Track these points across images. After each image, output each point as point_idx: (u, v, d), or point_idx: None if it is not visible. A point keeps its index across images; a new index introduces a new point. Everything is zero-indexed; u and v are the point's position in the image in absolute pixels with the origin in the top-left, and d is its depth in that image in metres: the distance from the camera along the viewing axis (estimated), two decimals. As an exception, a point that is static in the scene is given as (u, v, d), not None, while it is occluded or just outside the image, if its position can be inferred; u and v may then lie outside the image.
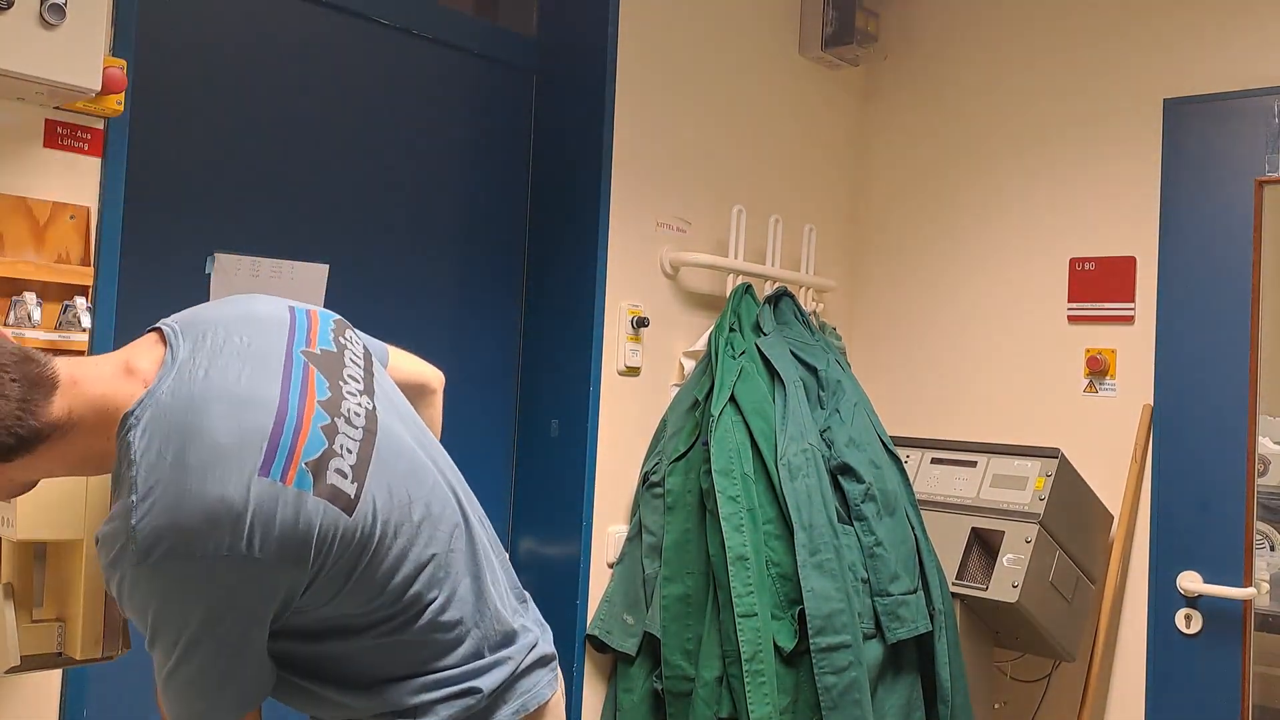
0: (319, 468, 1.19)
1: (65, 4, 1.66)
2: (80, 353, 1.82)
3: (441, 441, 2.58)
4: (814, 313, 3.15)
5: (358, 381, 1.33)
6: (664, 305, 2.83)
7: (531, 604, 1.55)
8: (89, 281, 1.83)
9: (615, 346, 2.70)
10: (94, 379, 1.20)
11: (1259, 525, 2.86)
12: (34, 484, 1.26)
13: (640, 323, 2.73)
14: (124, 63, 1.84)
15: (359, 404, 1.30)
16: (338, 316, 1.44)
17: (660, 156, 2.83)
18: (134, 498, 1.12)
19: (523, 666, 1.42)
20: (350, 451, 1.24)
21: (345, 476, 1.22)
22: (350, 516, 1.21)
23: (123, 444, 1.16)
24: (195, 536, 1.12)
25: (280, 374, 1.24)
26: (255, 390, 1.20)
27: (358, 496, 1.22)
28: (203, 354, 1.23)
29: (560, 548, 2.68)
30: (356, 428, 1.27)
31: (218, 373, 1.21)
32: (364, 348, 1.44)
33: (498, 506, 2.75)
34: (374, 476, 1.26)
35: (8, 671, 1.56)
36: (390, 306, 2.54)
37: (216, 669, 1.22)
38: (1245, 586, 2.80)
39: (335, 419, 1.25)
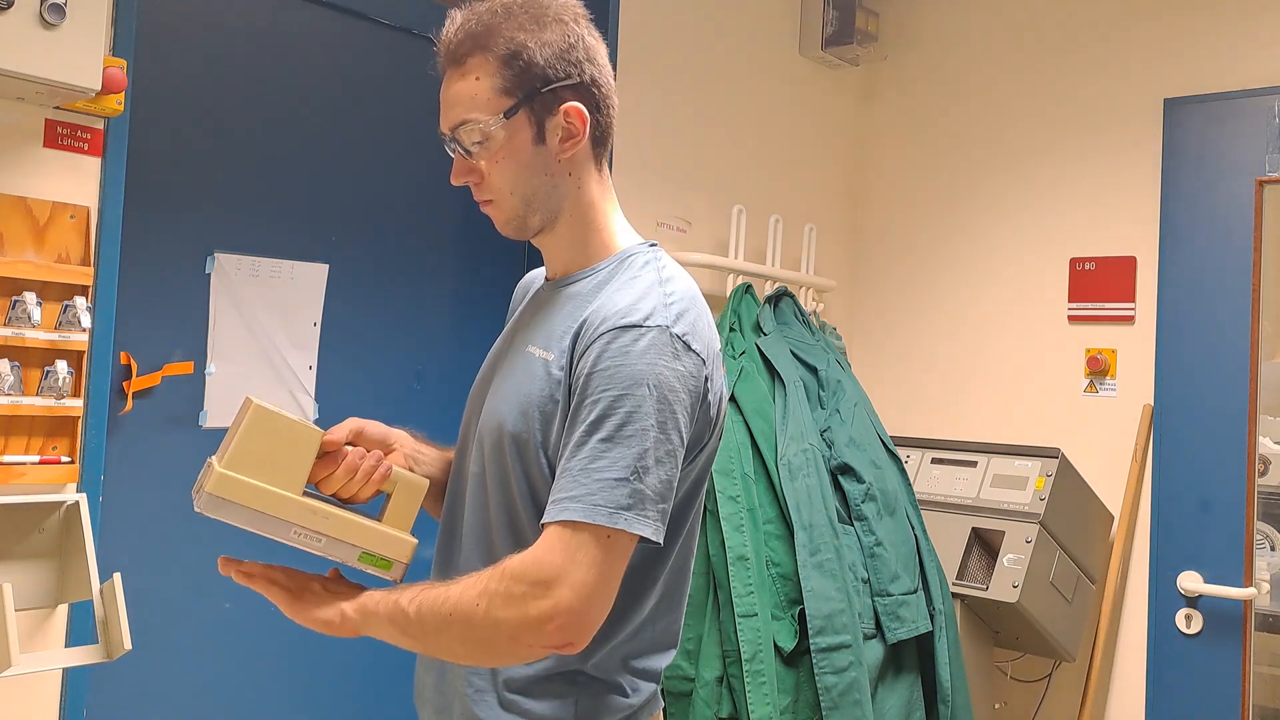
0: None
1: (65, 4, 1.66)
2: (80, 353, 1.82)
3: (441, 440, 2.58)
4: (814, 313, 3.15)
5: None
6: (664, 305, 2.83)
7: None
8: (89, 281, 1.83)
9: (615, 346, 2.69)
10: None
11: (1259, 525, 2.86)
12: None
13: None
14: (124, 63, 1.84)
15: None
16: None
17: (660, 156, 2.82)
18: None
19: None
20: None
21: None
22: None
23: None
24: None
25: None
26: None
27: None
28: None
29: (560, 548, 2.67)
30: None
31: None
32: None
33: (498, 506, 2.75)
34: None
35: (6, 672, 1.56)
36: (390, 306, 2.54)
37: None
38: (1245, 586, 2.80)
39: None
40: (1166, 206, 2.99)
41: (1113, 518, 2.98)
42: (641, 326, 1.26)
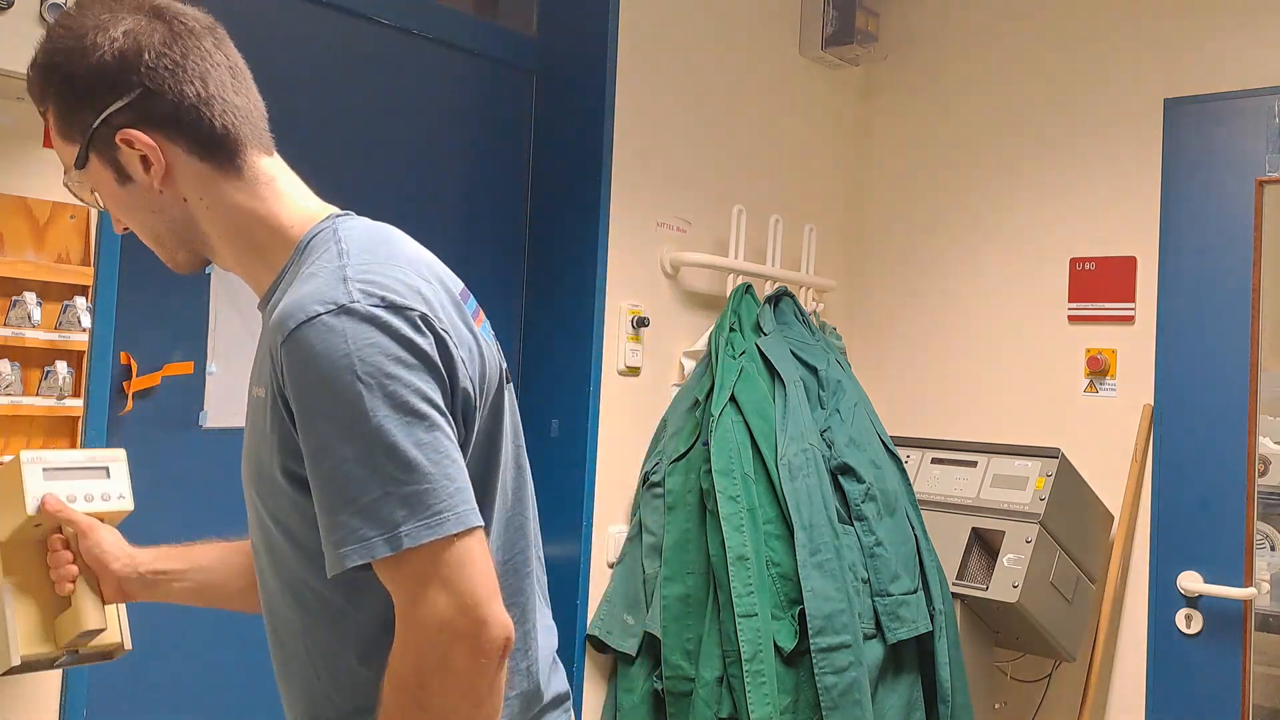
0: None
1: (65, 4, 1.66)
2: (80, 353, 1.82)
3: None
4: (814, 313, 3.15)
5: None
6: (664, 305, 2.83)
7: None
8: (89, 281, 1.83)
9: (615, 346, 2.70)
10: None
11: (1259, 525, 2.86)
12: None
13: (640, 323, 2.73)
14: (124, 63, 1.84)
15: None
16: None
17: (660, 156, 2.82)
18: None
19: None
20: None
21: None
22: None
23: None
24: None
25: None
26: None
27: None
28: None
29: (560, 548, 2.68)
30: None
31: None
32: None
33: (498, 506, 2.75)
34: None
35: (6, 672, 1.56)
36: (390, 306, 2.53)
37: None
38: (1245, 586, 2.80)
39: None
40: (1166, 206, 2.99)
41: (1113, 518, 2.98)
42: (316, 318, 1.02)
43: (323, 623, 1.15)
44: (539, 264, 2.79)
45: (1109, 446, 3.01)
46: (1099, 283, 3.08)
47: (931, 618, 2.62)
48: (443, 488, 1.01)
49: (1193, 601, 2.89)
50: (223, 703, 2.25)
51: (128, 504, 1.67)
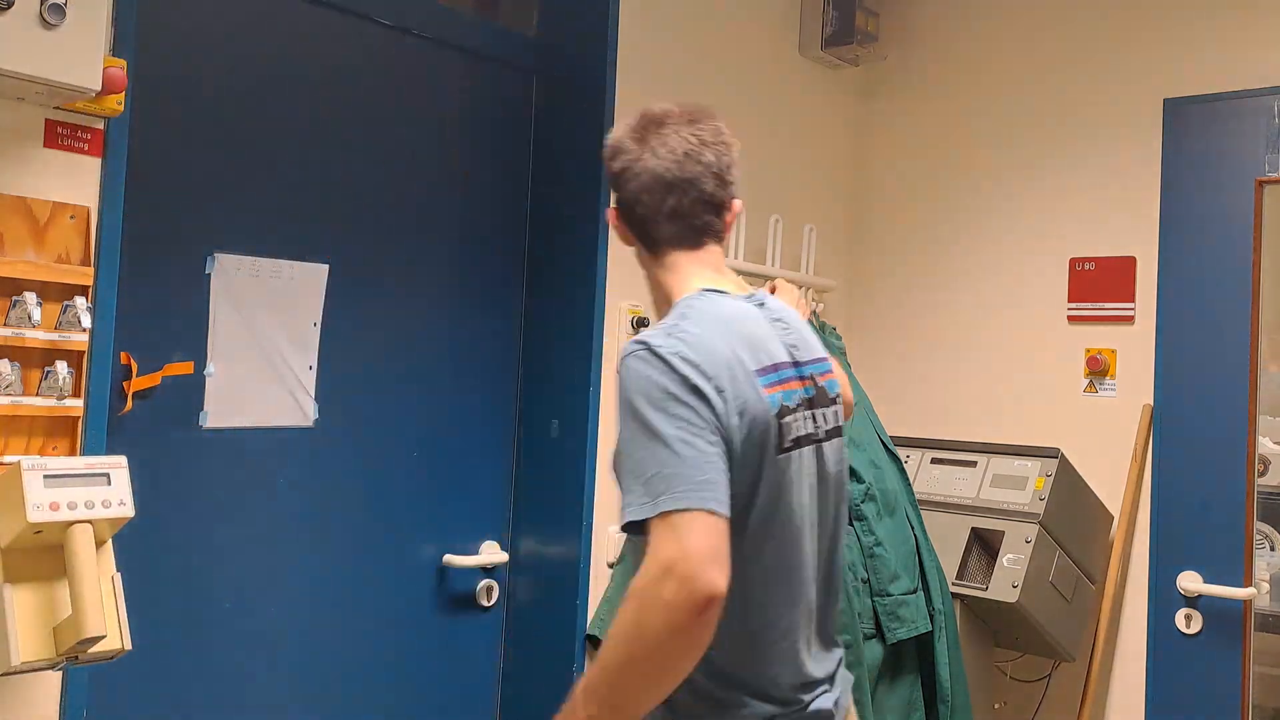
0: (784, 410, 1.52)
1: (65, 4, 1.66)
2: (80, 353, 1.82)
3: (441, 440, 2.58)
4: (814, 313, 3.15)
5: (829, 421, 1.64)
6: (664, 305, 2.83)
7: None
8: (89, 281, 1.83)
9: (615, 346, 2.70)
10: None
11: (1259, 525, 2.86)
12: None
13: (640, 323, 2.73)
14: (124, 63, 1.84)
15: (824, 421, 1.61)
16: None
17: (660, 156, 2.82)
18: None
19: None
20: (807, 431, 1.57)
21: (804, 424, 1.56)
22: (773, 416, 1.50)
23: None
24: None
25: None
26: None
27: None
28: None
29: (560, 548, 2.68)
30: (818, 428, 1.59)
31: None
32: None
33: (498, 507, 2.75)
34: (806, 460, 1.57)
35: (5, 674, 1.56)
36: (390, 306, 2.54)
37: None
38: (1245, 586, 2.80)
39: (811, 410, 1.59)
40: (1166, 206, 2.99)
41: (1113, 518, 2.98)
42: (633, 350, 1.47)
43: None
44: (539, 264, 2.79)
45: (1109, 446, 3.01)
46: (1099, 283, 3.08)
47: (931, 618, 2.62)
48: (690, 476, 1.36)
49: (1192, 601, 2.89)
50: (223, 703, 2.25)
51: (128, 510, 1.68)
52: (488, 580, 2.71)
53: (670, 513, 1.34)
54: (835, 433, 1.64)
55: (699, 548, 1.33)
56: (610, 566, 2.70)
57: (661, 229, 1.62)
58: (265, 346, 2.30)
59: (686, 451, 1.38)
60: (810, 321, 2.96)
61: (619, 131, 1.64)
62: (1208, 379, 2.89)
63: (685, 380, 1.42)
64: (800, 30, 3.28)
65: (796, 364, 1.58)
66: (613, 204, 1.65)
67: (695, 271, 1.63)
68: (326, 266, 2.40)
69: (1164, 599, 2.93)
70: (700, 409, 1.41)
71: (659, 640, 1.33)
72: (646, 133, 1.61)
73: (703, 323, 1.50)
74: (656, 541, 1.35)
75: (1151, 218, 3.01)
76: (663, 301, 1.66)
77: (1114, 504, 2.99)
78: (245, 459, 2.28)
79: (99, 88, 1.74)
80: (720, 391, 1.43)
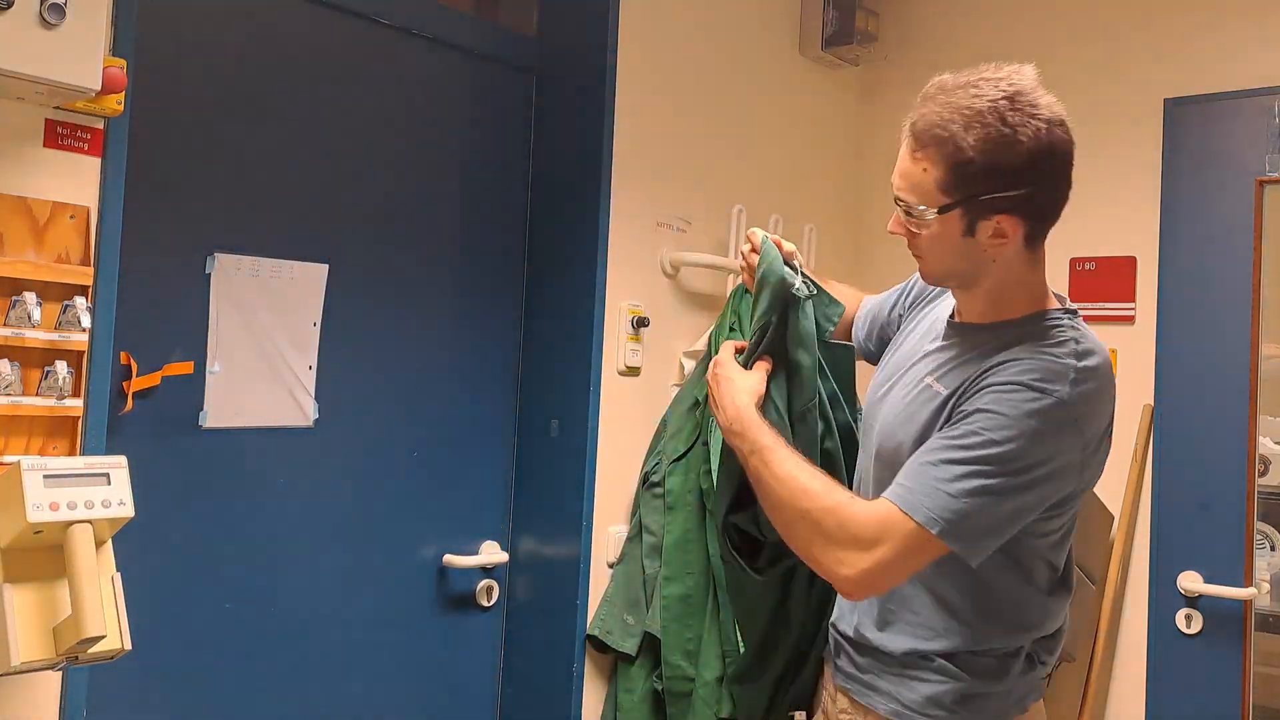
0: None
1: (65, 4, 1.66)
2: (80, 353, 1.82)
3: (441, 440, 2.58)
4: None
5: None
6: (664, 305, 2.83)
7: None
8: (89, 281, 1.83)
9: (615, 346, 2.70)
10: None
11: (1259, 525, 2.86)
12: None
13: (640, 323, 2.73)
14: (124, 63, 1.84)
15: None
16: None
17: (660, 156, 2.82)
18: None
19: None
20: None
21: None
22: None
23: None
24: None
25: None
26: None
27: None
28: None
29: (560, 548, 2.68)
30: None
31: None
32: None
33: (498, 507, 2.75)
34: None
35: (4, 674, 1.56)
36: (390, 306, 2.54)
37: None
38: (1245, 586, 2.80)
39: None
40: (1166, 206, 2.99)
41: (1113, 518, 2.98)
42: (1043, 392, 1.46)
43: None
44: (539, 264, 2.79)
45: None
46: (1099, 283, 3.08)
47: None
48: (980, 527, 1.50)
49: (1193, 601, 2.89)
50: (223, 703, 2.25)
51: (128, 510, 1.68)
52: (487, 580, 2.71)
53: (924, 533, 1.47)
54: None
55: (895, 575, 1.54)
56: (610, 566, 2.70)
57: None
58: (265, 346, 2.30)
59: (999, 515, 1.51)
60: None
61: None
62: (1208, 379, 2.89)
63: (1067, 462, 1.56)
64: (800, 30, 3.28)
65: None
66: (1010, 214, 1.53)
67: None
68: (326, 266, 2.40)
69: (1164, 599, 2.93)
70: (1053, 490, 1.56)
71: (798, 546, 1.60)
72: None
73: (1099, 373, 1.61)
74: (887, 529, 1.48)
75: (1151, 218, 3.01)
76: (991, 293, 1.64)
77: (1114, 504, 2.98)
78: (245, 459, 2.28)
79: (99, 88, 1.74)
80: (1089, 472, 1.63)
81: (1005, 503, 1.46)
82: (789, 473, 1.62)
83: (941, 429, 1.54)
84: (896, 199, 1.58)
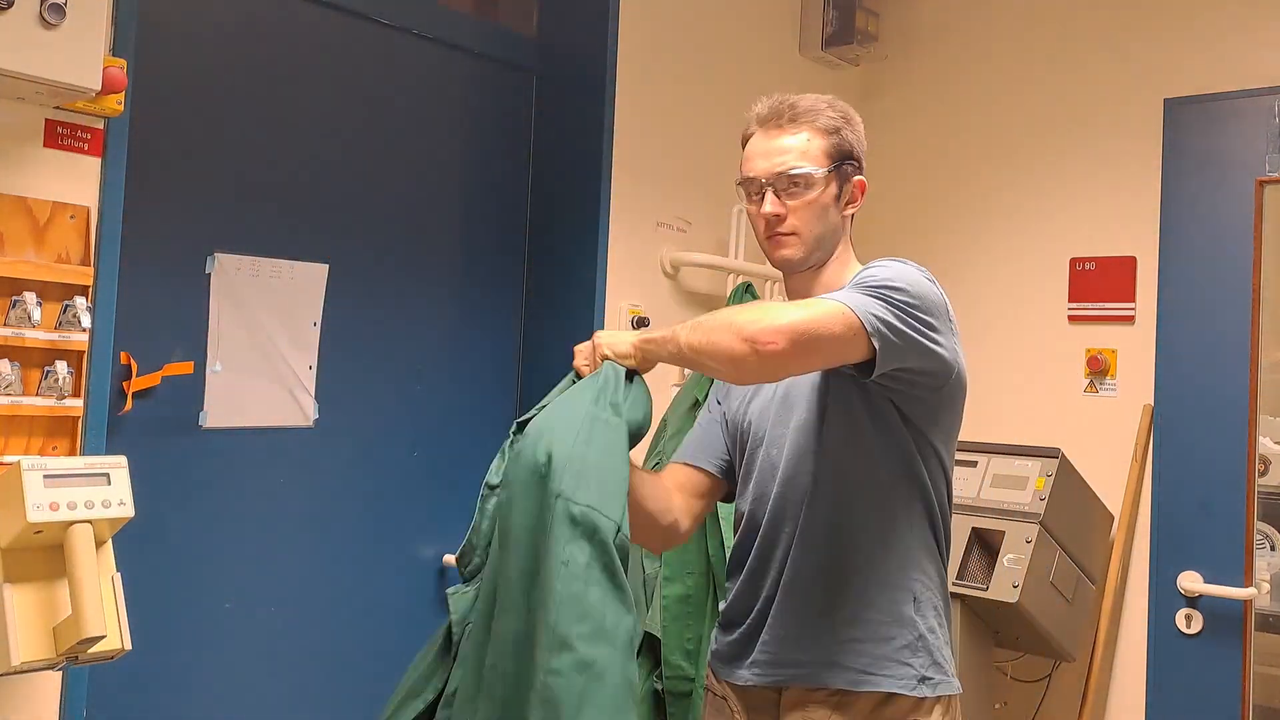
0: None
1: (65, 4, 1.66)
2: (80, 353, 1.82)
3: (441, 440, 2.58)
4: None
5: None
6: (664, 305, 2.83)
7: None
8: (89, 281, 1.83)
9: (615, 346, 2.69)
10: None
11: (1259, 525, 2.86)
12: None
13: (640, 323, 2.73)
14: (124, 63, 1.84)
15: None
16: None
17: (660, 156, 2.82)
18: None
19: None
20: None
21: None
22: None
23: None
24: None
25: None
26: None
27: None
28: None
29: (560, 548, 2.67)
30: None
31: None
32: None
33: (498, 506, 2.75)
34: None
35: (4, 674, 1.56)
36: (390, 306, 2.54)
37: None
38: (1245, 586, 2.80)
39: None
40: (1166, 206, 2.99)
41: (1113, 518, 2.98)
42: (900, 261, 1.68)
43: None
44: (539, 264, 2.79)
45: (1109, 446, 3.01)
46: (1099, 283, 3.08)
47: None
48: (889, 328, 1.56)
49: (1193, 601, 2.89)
50: (223, 703, 2.25)
51: (128, 510, 1.68)
52: (488, 580, 2.70)
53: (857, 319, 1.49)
54: None
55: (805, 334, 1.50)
56: (610, 566, 2.70)
57: None
58: (265, 346, 2.30)
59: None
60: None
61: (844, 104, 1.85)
62: (1208, 379, 2.89)
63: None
64: (800, 30, 3.28)
65: None
66: (860, 170, 1.80)
67: None
68: (326, 266, 2.40)
69: (1164, 599, 2.93)
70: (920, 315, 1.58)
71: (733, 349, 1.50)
72: None
73: None
74: (828, 315, 1.50)
75: (1151, 218, 3.01)
76: (833, 268, 1.78)
77: (1114, 504, 2.98)
78: (245, 459, 2.28)
79: (99, 88, 1.74)
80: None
81: (912, 323, 1.54)
82: (689, 340, 1.55)
83: None
84: (766, 182, 1.73)
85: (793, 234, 1.72)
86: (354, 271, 2.45)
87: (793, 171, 1.72)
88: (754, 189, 1.74)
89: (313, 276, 2.38)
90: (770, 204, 1.71)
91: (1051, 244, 3.18)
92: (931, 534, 1.68)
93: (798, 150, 1.76)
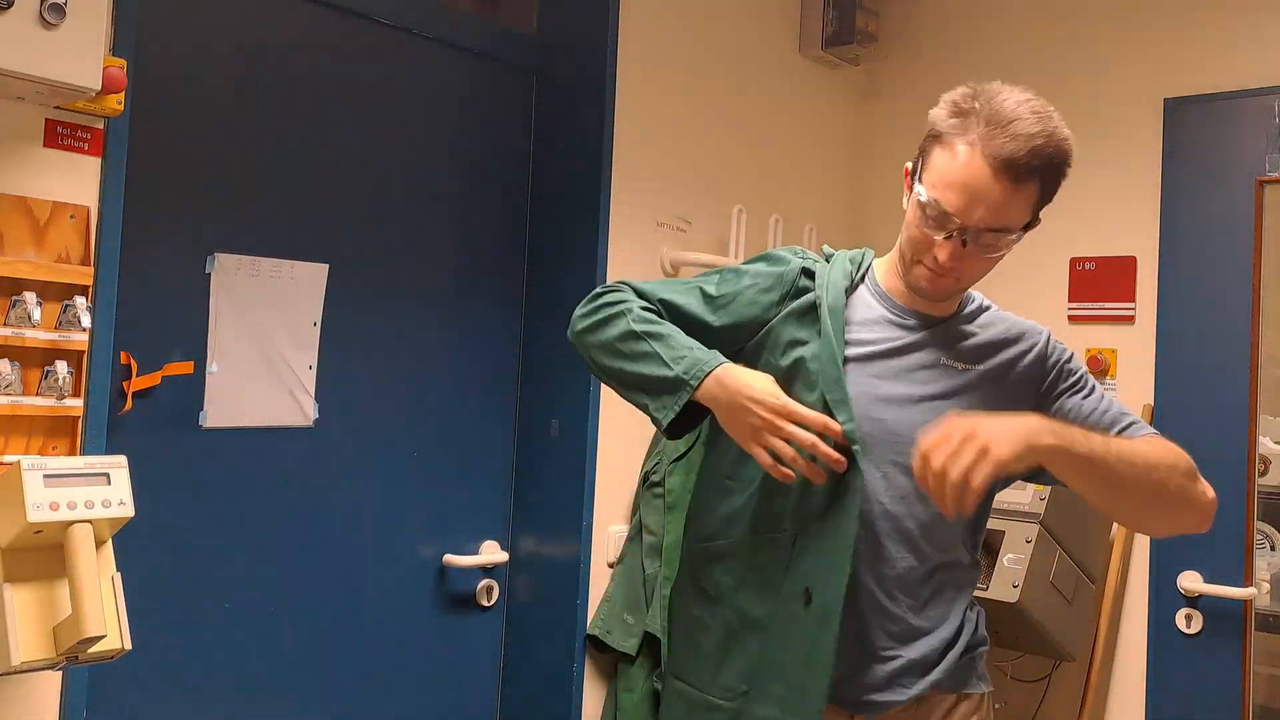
0: None
1: (65, 4, 1.66)
2: (80, 353, 1.82)
3: (441, 440, 2.58)
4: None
5: None
6: (664, 305, 2.83)
7: None
8: (89, 281, 1.83)
9: (615, 346, 2.69)
10: None
11: (1259, 525, 2.86)
12: None
13: (640, 323, 2.73)
14: (124, 63, 1.84)
15: None
16: None
17: (660, 156, 2.82)
18: None
19: None
20: None
21: None
22: None
23: None
24: None
25: None
26: None
27: None
28: None
29: (560, 548, 2.68)
30: None
31: None
32: None
33: (498, 507, 2.75)
34: None
35: (4, 674, 1.56)
36: (390, 306, 2.54)
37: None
38: (1245, 586, 2.80)
39: None
40: (1166, 206, 2.99)
41: (1113, 518, 2.99)
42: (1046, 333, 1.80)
43: None
44: (539, 264, 2.79)
45: (1109, 446, 3.01)
46: (1099, 283, 3.08)
47: None
48: None
49: (1193, 601, 2.89)
50: (223, 703, 2.25)
51: (128, 510, 1.68)
52: (488, 580, 2.71)
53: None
54: None
55: None
56: (610, 566, 2.70)
57: None
58: (265, 346, 2.30)
59: None
60: None
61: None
62: (1208, 379, 2.89)
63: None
64: (800, 30, 3.28)
65: None
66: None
67: None
68: (326, 266, 2.40)
69: (1164, 599, 2.93)
70: None
71: (1174, 502, 1.70)
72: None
73: None
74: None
75: (1151, 218, 3.01)
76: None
77: (1114, 504, 2.98)
78: (245, 459, 2.28)
79: (99, 88, 1.74)
80: None
81: None
82: (1118, 449, 1.65)
83: (1047, 392, 1.79)
84: (974, 232, 1.57)
85: (957, 278, 1.68)
86: (354, 271, 2.45)
87: (1001, 230, 1.61)
88: (949, 226, 1.58)
89: (313, 276, 2.38)
90: (954, 254, 1.61)
91: (1051, 244, 3.17)
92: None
93: (1020, 208, 1.62)
